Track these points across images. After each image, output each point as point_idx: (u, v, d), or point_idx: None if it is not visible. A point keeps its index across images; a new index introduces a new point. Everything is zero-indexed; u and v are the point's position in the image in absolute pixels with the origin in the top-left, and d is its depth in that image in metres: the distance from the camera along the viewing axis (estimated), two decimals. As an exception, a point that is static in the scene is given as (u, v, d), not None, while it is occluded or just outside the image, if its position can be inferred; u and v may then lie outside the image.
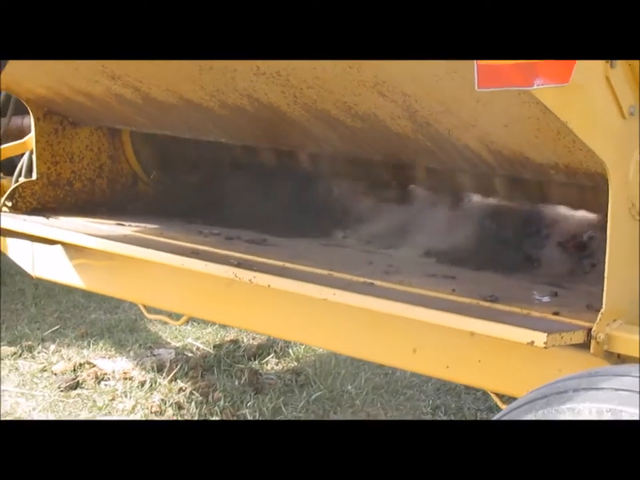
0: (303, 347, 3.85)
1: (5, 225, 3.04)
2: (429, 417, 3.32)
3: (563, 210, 2.89)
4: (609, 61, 2.02)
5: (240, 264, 2.59)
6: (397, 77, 2.04)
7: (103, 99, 2.85)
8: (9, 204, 3.16)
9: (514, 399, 2.53)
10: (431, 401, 3.43)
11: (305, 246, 2.99)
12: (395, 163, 2.85)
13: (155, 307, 3.15)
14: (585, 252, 2.87)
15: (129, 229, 3.08)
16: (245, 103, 2.47)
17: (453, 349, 2.53)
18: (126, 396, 3.36)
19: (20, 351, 3.70)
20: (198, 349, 3.82)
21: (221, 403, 3.28)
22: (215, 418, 3.19)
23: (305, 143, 2.66)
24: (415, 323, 2.44)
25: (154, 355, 3.69)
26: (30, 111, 3.14)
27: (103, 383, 3.48)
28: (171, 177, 3.44)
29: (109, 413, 3.26)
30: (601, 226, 2.81)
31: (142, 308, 3.14)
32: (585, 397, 1.59)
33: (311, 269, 2.66)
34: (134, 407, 3.29)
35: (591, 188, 2.55)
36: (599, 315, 2.12)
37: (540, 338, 2.08)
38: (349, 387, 3.47)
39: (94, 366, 3.58)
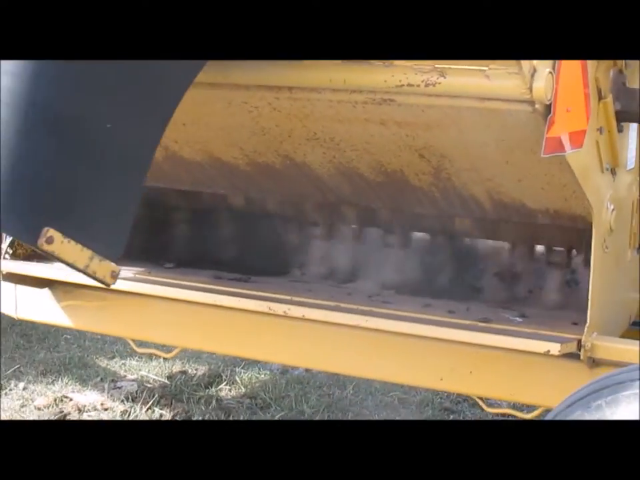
0: (247, 373, 4.26)
1: (21, 271, 3.32)
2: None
3: (498, 244, 3.45)
4: (600, 127, 2.61)
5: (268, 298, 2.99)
6: (446, 145, 2.52)
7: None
8: (10, 251, 3.43)
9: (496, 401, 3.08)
10: (376, 415, 3.93)
11: (282, 282, 3.41)
12: (359, 205, 3.28)
13: (147, 340, 3.49)
14: (520, 280, 3.45)
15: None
16: (276, 161, 2.89)
17: (447, 363, 3.03)
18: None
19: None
20: (155, 380, 4.16)
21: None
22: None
23: (313, 193, 3.08)
24: (415, 343, 2.94)
25: (118, 387, 4.00)
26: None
27: (86, 414, 3.76)
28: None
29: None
30: (530, 257, 3.42)
31: (131, 343, 3.46)
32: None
33: (315, 300, 3.09)
34: (125, 434, 3.59)
35: (541, 225, 3.12)
36: (585, 328, 2.68)
37: (555, 347, 2.62)
38: (305, 407, 3.91)
39: (71, 399, 3.86)
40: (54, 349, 4.48)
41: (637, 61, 2.68)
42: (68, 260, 1.99)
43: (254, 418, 3.79)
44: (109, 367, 4.31)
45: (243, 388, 4.12)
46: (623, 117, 2.68)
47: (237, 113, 2.64)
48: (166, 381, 4.14)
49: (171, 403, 3.86)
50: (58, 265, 3.45)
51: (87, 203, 1.99)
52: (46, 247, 1.92)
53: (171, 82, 2.04)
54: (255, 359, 4.00)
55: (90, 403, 3.84)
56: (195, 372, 4.28)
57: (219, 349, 3.45)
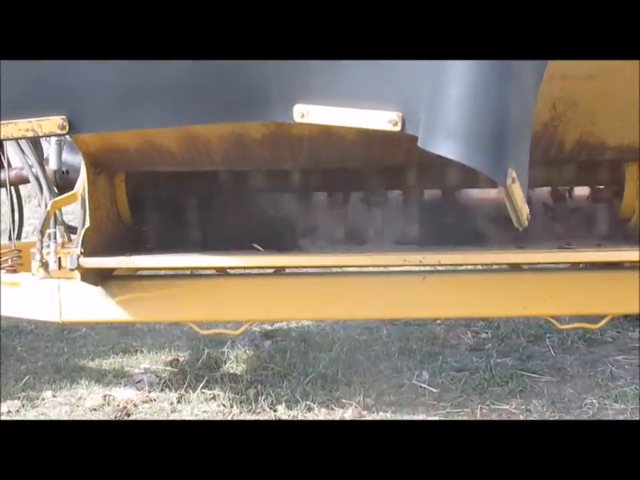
0: (234, 352, 4.41)
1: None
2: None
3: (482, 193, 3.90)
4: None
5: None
6: (588, 96, 2.93)
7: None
8: (82, 250, 3.40)
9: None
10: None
11: (318, 249, 3.68)
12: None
13: (215, 320, 3.62)
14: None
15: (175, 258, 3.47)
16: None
17: (528, 292, 3.48)
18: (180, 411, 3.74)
19: (24, 403, 3.81)
20: (163, 370, 4.21)
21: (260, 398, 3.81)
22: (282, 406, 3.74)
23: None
24: (501, 277, 3.39)
25: (139, 382, 4.02)
26: (84, 163, 3.42)
27: (143, 406, 3.78)
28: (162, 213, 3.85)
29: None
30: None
31: (194, 326, 3.56)
32: None
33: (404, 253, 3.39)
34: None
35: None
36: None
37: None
38: (320, 368, 4.17)
39: (114, 397, 3.86)
40: (31, 357, 4.39)
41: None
42: (517, 201, 2.17)
43: (296, 379, 4.00)
44: (100, 366, 4.30)
45: (244, 364, 4.29)
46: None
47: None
48: (172, 368, 4.22)
49: (210, 383, 3.97)
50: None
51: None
52: (511, 187, 2.11)
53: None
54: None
55: (137, 398, 3.86)
56: (183, 358, 4.38)
57: (301, 315, 3.66)
